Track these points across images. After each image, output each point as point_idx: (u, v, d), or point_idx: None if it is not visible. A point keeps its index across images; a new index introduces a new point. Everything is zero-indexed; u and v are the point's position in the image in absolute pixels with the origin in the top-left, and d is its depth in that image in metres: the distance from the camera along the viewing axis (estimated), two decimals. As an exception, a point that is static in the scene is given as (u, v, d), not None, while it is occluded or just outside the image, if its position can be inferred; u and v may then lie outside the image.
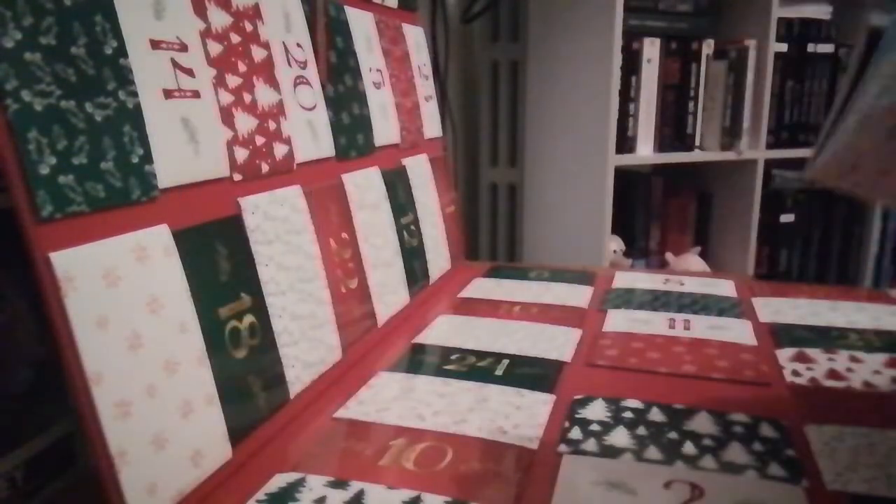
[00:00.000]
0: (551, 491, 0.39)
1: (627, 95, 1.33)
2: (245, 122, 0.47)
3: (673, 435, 0.45)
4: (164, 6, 0.41)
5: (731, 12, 1.44)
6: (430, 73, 0.87)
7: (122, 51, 0.37)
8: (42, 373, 0.41)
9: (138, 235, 0.37)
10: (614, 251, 1.42)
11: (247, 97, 0.48)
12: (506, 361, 0.58)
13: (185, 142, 0.41)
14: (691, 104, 1.40)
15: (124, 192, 0.36)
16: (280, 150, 0.51)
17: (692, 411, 0.49)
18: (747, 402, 0.50)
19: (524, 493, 0.39)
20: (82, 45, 0.34)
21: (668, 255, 1.51)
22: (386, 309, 0.65)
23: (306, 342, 0.51)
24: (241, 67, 0.48)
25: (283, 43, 0.53)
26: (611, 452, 0.43)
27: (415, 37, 0.82)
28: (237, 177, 0.46)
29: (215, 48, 0.45)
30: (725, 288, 0.80)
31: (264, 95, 0.50)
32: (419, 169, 0.78)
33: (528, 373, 0.56)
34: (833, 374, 0.56)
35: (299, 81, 0.55)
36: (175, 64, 0.41)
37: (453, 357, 0.59)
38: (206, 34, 0.44)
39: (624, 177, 1.35)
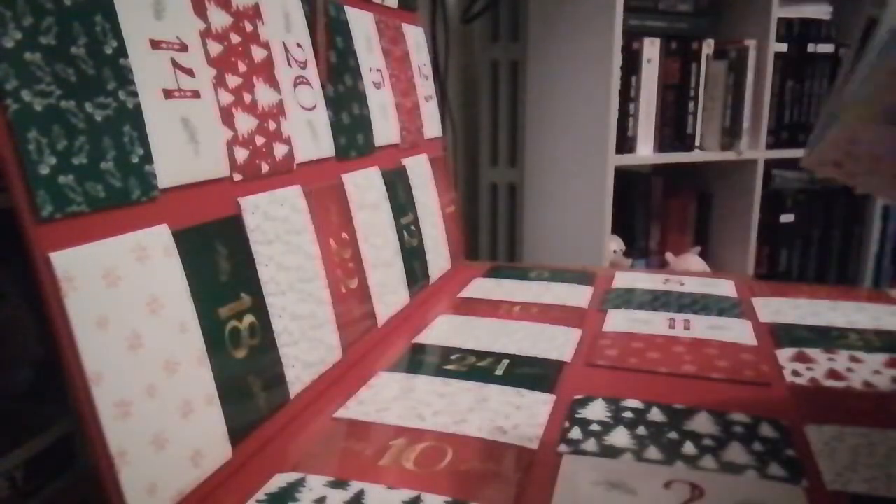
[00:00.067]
0: (551, 491, 0.39)
1: (627, 95, 1.33)
2: (245, 122, 0.47)
3: (673, 435, 0.45)
4: (164, 6, 0.41)
5: (731, 12, 1.44)
6: (430, 73, 0.87)
7: (122, 51, 0.37)
8: (42, 373, 0.41)
9: (138, 235, 0.37)
10: (614, 251, 1.42)
11: (247, 97, 0.48)
12: (506, 361, 0.58)
13: (185, 142, 0.41)
14: (691, 104, 1.40)
15: (124, 192, 0.36)
16: (280, 150, 0.51)
17: (692, 411, 0.49)
18: (747, 402, 0.50)
19: (524, 493, 0.39)
20: (82, 45, 0.34)
21: (668, 255, 1.51)
22: (386, 309, 0.65)
23: (306, 342, 0.51)
24: (241, 67, 0.48)
25: (283, 43, 0.53)
26: (611, 452, 0.43)
27: (415, 37, 0.82)
28: (237, 177, 0.46)
29: (215, 48, 0.45)
30: (725, 288, 0.80)
31: (264, 95, 0.50)
32: (419, 169, 0.78)
33: (528, 373, 0.56)
34: (833, 374, 0.56)
35: (299, 81, 0.55)
36: (175, 64, 0.41)
37: (453, 357, 0.59)
38: (206, 34, 0.44)
39: (624, 177, 1.35)
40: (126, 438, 0.33)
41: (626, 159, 1.32)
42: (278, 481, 0.40)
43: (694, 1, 1.37)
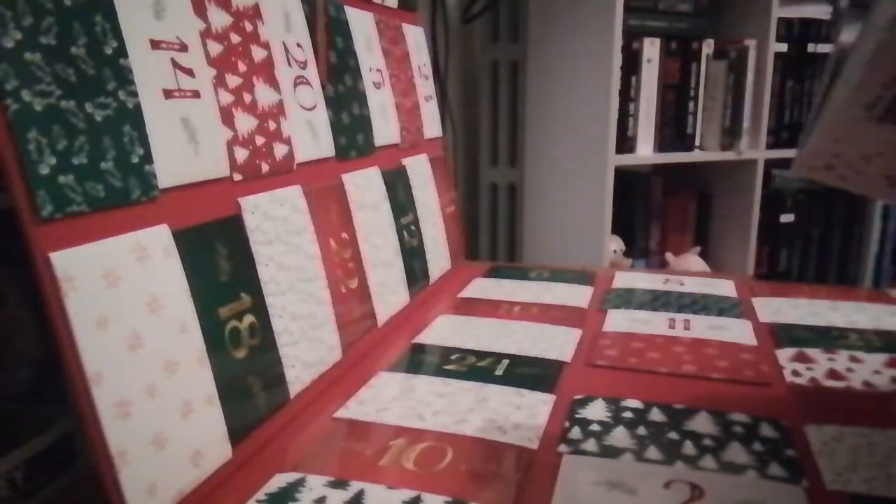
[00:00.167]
0: (551, 491, 0.39)
1: (627, 95, 1.33)
2: (245, 122, 0.47)
3: (673, 435, 0.45)
4: (164, 6, 0.41)
5: (731, 12, 1.44)
6: (430, 73, 0.87)
7: (122, 51, 0.37)
8: (42, 373, 0.41)
9: (138, 235, 0.37)
10: (614, 251, 1.42)
11: (247, 97, 0.48)
12: (506, 361, 0.58)
13: (185, 142, 0.41)
14: (691, 104, 1.40)
15: (124, 192, 0.36)
16: (280, 150, 0.51)
17: (692, 411, 0.49)
18: (747, 402, 0.50)
19: (524, 493, 0.39)
20: (82, 45, 0.34)
21: (668, 255, 1.51)
22: (386, 309, 0.65)
23: (306, 342, 0.51)
24: (241, 67, 0.48)
25: (283, 43, 0.53)
26: (611, 452, 0.43)
27: (415, 37, 0.82)
28: (237, 177, 0.46)
29: (215, 48, 0.45)
30: (725, 288, 0.80)
31: (264, 95, 0.50)
32: (419, 169, 0.78)
33: (528, 373, 0.56)
34: (833, 374, 0.56)
35: (299, 81, 0.55)
36: (175, 64, 0.41)
37: (453, 357, 0.59)
38: (206, 34, 0.44)
39: (624, 177, 1.35)
40: (126, 438, 0.33)
41: (626, 159, 1.32)
42: (278, 481, 0.40)
43: (694, 1, 1.37)
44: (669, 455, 0.43)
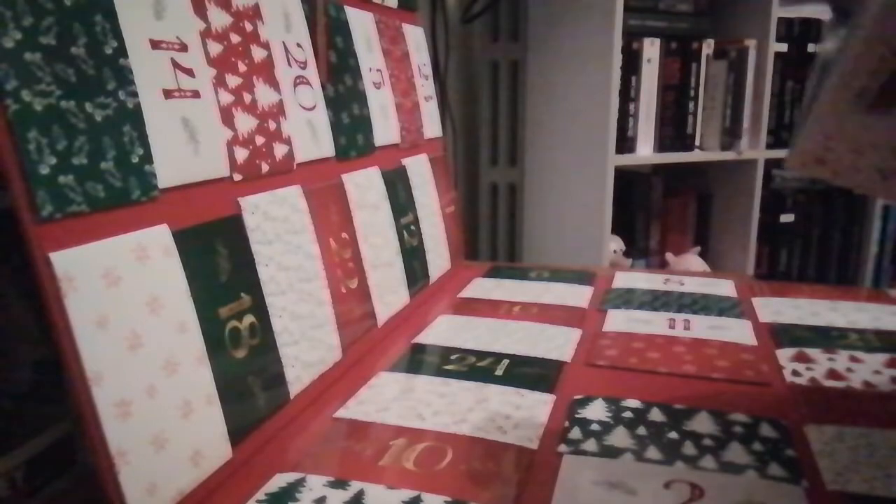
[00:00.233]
0: (551, 491, 0.39)
1: (627, 95, 1.33)
2: (245, 122, 0.47)
3: (673, 435, 0.45)
4: (164, 6, 0.41)
5: (731, 12, 1.44)
6: (430, 73, 0.87)
7: (122, 51, 0.37)
8: (42, 373, 0.41)
9: (138, 235, 0.37)
10: (614, 251, 1.42)
11: (247, 97, 0.48)
12: (506, 361, 0.58)
13: (185, 142, 0.41)
14: (691, 104, 1.40)
15: (124, 192, 0.36)
16: (280, 150, 0.51)
17: (692, 411, 0.49)
18: (747, 402, 0.50)
19: (524, 493, 0.39)
20: (82, 45, 0.34)
21: (668, 255, 1.51)
22: (386, 309, 0.65)
23: (306, 342, 0.51)
24: (241, 67, 0.48)
25: (283, 43, 0.53)
26: (611, 452, 0.43)
27: (415, 37, 0.82)
28: (237, 177, 0.46)
29: (215, 48, 0.45)
30: (725, 288, 0.80)
31: (264, 95, 0.50)
32: (419, 169, 0.78)
33: (528, 373, 0.56)
34: (833, 374, 0.56)
35: (299, 81, 0.55)
36: (175, 64, 0.41)
37: (453, 357, 0.59)
38: (206, 34, 0.44)
39: (624, 177, 1.35)
40: (126, 438, 0.33)
41: (626, 159, 1.32)
42: (278, 481, 0.40)
43: (694, 1, 1.37)
44: (669, 455, 0.43)
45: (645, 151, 1.37)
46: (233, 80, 0.46)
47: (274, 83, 0.51)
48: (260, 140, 0.49)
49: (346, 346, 0.56)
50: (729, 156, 1.41)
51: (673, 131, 1.40)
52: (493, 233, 1.58)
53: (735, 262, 1.52)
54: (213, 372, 0.40)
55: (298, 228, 0.52)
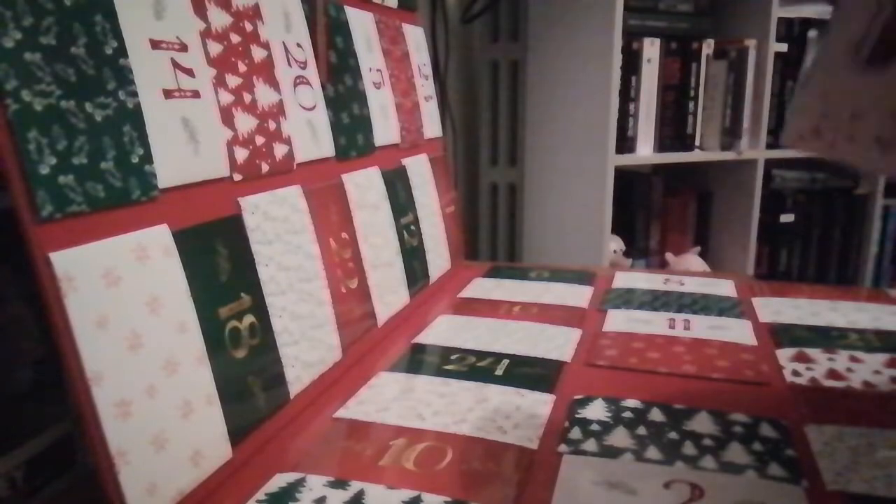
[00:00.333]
0: (551, 491, 0.39)
1: (627, 95, 1.33)
2: (245, 122, 0.47)
3: (673, 435, 0.45)
4: (164, 6, 0.41)
5: (731, 12, 1.44)
6: (430, 73, 0.87)
7: (122, 51, 0.37)
8: (42, 373, 0.41)
9: (138, 235, 0.37)
10: (614, 251, 1.42)
11: (247, 97, 0.48)
12: (506, 361, 0.58)
13: (185, 142, 0.41)
14: (691, 104, 1.40)
15: (124, 192, 0.36)
16: (280, 150, 0.51)
17: (692, 411, 0.49)
18: (747, 402, 0.50)
19: (524, 493, 0.39)
20: (82, 45, 0.34)
21: (668, 255, 1.51)
22: (386, 309, 0.65)
23: (306, 342, 0.51)
24: (241, 67, 0.48)
25: (283, 43, 0.53)
26: (611, 452, 0.43)
27: (415, 37, 0.82)
28: (237, 177, 0.46)
29: (215, 48, 0.45)
30: (725, 288, 0.80)
31: (264, 95, 0.50)
32: (419, 169, 0.78)
33: (528, 373, 0.56)
34: (833, 374, 0.56)
35: (299, 81, 0.55)
36: (175, 64, 0.41)
37: (453, 357, 0.59)
38: (206, 34, 0.44)
39: (624, 177, 1.35)
40: (126, 438, 0.33)
41: (626, 159, 1.32)
42: (278, 481, 0.40)
43: (694, 1, 1.37)
44: (669, 455, 0.43)
45: (645, 151, 1.37)
46: (233, 80, 0.46)
47: (274, 83, 0.51)
48: (260, 140, 0.49)
49: (346, 346, 0.56)
50: (729, 156, 1.41)
51: (673, 131, 1.40)
52: (493, 233, 1.58)
53: (735, 262, 1.52)
54: (213, 372, 0.40)
55: (298, 228, 0.52)
